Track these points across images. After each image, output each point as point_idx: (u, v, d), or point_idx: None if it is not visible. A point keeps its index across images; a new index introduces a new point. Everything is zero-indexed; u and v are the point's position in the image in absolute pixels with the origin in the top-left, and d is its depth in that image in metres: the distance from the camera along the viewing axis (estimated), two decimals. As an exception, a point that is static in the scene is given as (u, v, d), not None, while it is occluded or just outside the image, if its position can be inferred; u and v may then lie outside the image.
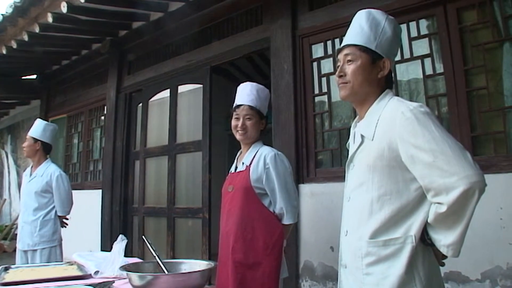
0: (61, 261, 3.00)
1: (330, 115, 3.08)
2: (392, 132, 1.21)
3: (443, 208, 1.11)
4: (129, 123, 4.63)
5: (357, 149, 1.35)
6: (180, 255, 3.82)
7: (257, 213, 1.97)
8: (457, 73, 2.58)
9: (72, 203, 3.41)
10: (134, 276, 1.27)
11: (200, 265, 1.49)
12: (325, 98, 3.15)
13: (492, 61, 2.52)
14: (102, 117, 5.08)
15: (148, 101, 4.48)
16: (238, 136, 2.09)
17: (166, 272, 1.44)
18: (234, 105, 2.13)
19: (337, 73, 1.42)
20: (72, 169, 5.47)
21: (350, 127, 2.91)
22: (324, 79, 3.16)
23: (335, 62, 3.09)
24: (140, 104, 4.56)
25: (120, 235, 1.87)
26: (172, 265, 1.54)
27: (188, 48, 4.14)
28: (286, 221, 2.00)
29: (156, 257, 1.53)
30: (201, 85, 3.94)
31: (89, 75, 5.40)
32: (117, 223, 4.44)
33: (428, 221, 1.18)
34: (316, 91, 3.18)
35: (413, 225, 1.19)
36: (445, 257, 1.25)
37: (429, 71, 2.72)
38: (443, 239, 1.15)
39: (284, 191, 1.99)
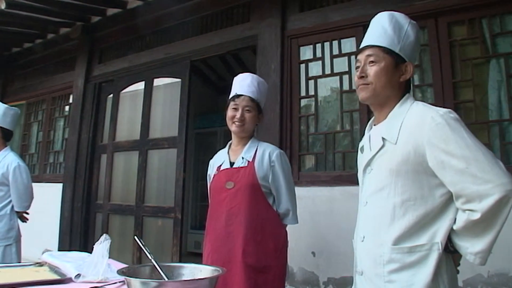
0: (18, 261, 2.73)
1: (316, 119, 3.04)
2: (420, 136, 1.18)
3: (477, 215, 1.08)
4: (97, 115, 4.36)
5: (376, 153, 1.30)
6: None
7: (266, 213, 1.87)
8: (445, 85, 2.63)
9: (32, 197, 3.12)
10: (136, 283, 1.13)
11: (203, 270, 1.36)
12: (311, 101, 3.11)
13: (479, 76, 2.59)
14: (67, 107, 4.75)
15: (120, 92, 4.24)
16: (233, 128, 1.95)
17: (165, 277, 1.30)
18: (233, 94, 1.99)
19: (358, 73, 1.36)
20: (29, 160, 5.06)
21: (335, 132, 2.93)
22: (311, 82, 3.12)
23: (324, 65, 3.09)
24: (111, 95, 4.31)
25: (104, 234, 1.68)
26: (170, 269, 1.39)
27: (167, 40, 3.96)
28: (290, 222, 1.92)
29: (153, 260, 1.38)
30: (179, 80, 3.78)
31: (54, 61, 5.03)
32: (78, 219, 4.15)
33: (455, 228, 1.15)
34: (303, 93, 3.13)
35: (438, 231, 1.16)
36: (459, 264, 1.24)
37: (417, 81, 2.75)
38: (470, 247, 1.13)
39: (290, 191, 1.92)
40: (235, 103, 1.95)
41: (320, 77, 3.09)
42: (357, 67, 1.40)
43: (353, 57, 2.97)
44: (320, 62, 3.11)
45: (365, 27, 2.93)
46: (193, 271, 1.38)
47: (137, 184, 3.84)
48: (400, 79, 1.34)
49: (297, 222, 1.95)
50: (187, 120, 3.66)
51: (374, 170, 1.31)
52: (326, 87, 3.09)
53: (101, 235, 3.90)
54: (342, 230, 2.71)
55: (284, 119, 3.09)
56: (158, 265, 1.35)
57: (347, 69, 2.99)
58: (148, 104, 3.95)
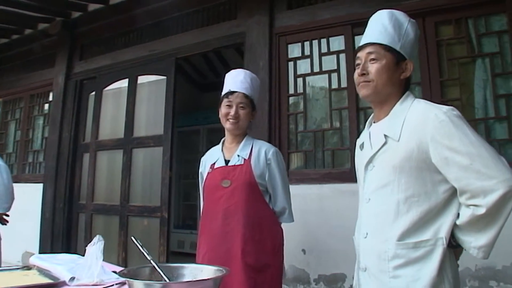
0: (-1, 264, 2.63)
1: (305, 116, 3.05)
2: (423, 133, 1.19)
3: (482, 210, 1.10)
4: (78, 113, 4.24)
5: (378, 150, 1.31)
6: (133, 256, 3.55)
7: (263, 212, 1.85)
8: (433, 84, 2.67)
9: (12, 198, 3.02)
10: (140, 285, 1.09)
11: (204, 270, 1.33)
12: (299, 98, 3.11)
13: (466, 75, 2.65)
14: (47, 104, 4.61)
15: (103, 90, 4.13)
16: (228, 125, 1.91)
17: (166, 279, 1.27)
18: (226, 91, 1.95)
19: (358, 71, 1.36)
20: (7, 159, 4.87)
21: (324, 129, 2.94)
22: (300, 80, 3.12)
23: (312, 63, 3.09)
24: (93, 93, 4.20)
25: (97, 235, 1.63)
26: (169, 270, 1.36)
27: (152, 37, 3.89)
28: (286, 220, 1.91)
29: (152, 261, 1.35)
30: (165, 77, 3.72)
31: (32, 57, 4.86)
32: (60, 220, 4.03)
33: (458, 223, 1.17)
34: (291, 91, 3.12)
35: (442, 227, 1.18)
36: (458, 258, 1.27)
37: (405, 79, 2.79)
38: (474, 241, 1.15)
39: (286, 189, 1.91)
40: (229, 100, 1.91)
41: (308, 75, 3.10)
42: (357, 65, 1.40)
43: (341, 55, 2.99)
44: (308, 60, 3.11)
45: (354, 25, 3.00)
46: (193, 271, 1.35)
47: (121, 183, 3.76)
48: (400, 76, 1.35)
49: (293, 220, 1.95)
50: (173, 118, 3.60)
51: (376, 167, 1.32)
52: (315, 85, 3.10)
53: (84, 236, 3.81)
54: (332, 227, 2.73)
55: (272, 116, 3.08)
56: (158, 266, 1.32)
57: (335, 67, 3.00)
58: (132, 102, 3.87)
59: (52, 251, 3.84)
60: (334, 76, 3.00)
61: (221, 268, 1.27)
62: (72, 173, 4.12)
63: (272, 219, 1.87)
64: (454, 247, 1.20)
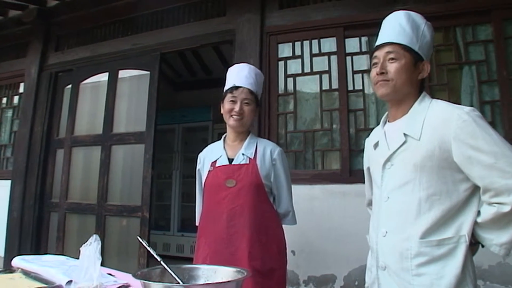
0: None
1: (295, 117, 3.03)
2: (446, 133, 1.21)
3: (506, 208, 1.13)
4: (52, 106, 4.02)
5: (398, 148, 1.32)
6: (111, 257, 3.39)
7: (269, 214, 1.79)
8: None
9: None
10: (159, 287, 1.02)
11: (218, 271, 1.27)
12: (289, 98, 3.09)
13: (453, 81, 2.73)
14: (16, 96, 4.34)
15: (80, 83, 3.94)
16: (231, 122, 1.83)
17: (179, 281, 1.20)
18: (230, 85, 1.88)
19: (377, 69, 1.36)
20: (-30, 153, 4.55)
21: (315, 130, 2.93)
22: (290, 80, 3.10)
23: (303, 63, 3.08)
24: (69, 86, 3.99)
25: (94, 235, 1.53)
26: (181, 272, 1.29)
27: (135, 30, 3.76)
28: (290, 222, 1.87)
29: (162, 263, 1.28)
30: (148, 72, 3.60)
31: (2, 46, 4.55)
32: (30, 220, 3.79)
33: (480, 220, 1.19)
34: (281, 91, 3.10)
35: (464, 224, 1.20)
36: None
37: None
38: (496, 239, 1.17)
39: (290, 191, 1.86)
40: (233, 95, 1.84)
41: (299, 75, 3.09)
42: (374, 64, 1.41)
43: (333, 56, 3.00)
44: (299, 60, 3.10)
45: (346, 28, 3.01)
46: (206, 272, 1.29)
47: (99, 181, 3.59)
48: (418, 77, 1.37)
49: (296, 223, 1.91)
50: (156, 114, 3.49)
51: (395, 165, 1.32)
52: (305, 85, 3.09)
53: (57, 236, 3.62)
54: (323, 228, 2.73)
55: (262, 116, 3.04)
56: (169, 267, 1.25)
57: (327, 69, 3.00)
58: (112, 97, 3.71)
59: (20, 252, 3.60)
60: (325, 77, 3.01)
61: (240, 269, 1.21)
62: (44, 169, 3.90)
63: (277, 221, 1.83)
64: (472, 244, 1.22)
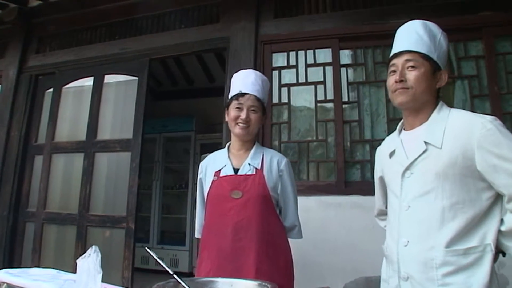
0: None
1: (289, 127, 2.99)
2: (469, 141, 1.21)
3: None
4: (31, 110, 3.82)
5: (418, 157, 1.30)
6: (92, 272, 3.21)
7: (276, 227, 1.72)
8: (417, 101, 2.75)
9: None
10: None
11: (235, 284, 1.20)
12: (283, 108, 3.06)
13: (446, 95, 2.77)
14: (-9, 99, 4.10)
15: (62, 87, 3.77)
16: (237, 130, 1.76)
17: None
18: (236, 92, 1.80)
19: (396, 77, 1.36)
20: None
21: (309, 141, 2.90)
22: (284, 89, 3.07)
23: (298, 73, 3.06)
24: (50, 90, 3.81)
25: (93, 246, 1.42)
26: (195, 286, 1.21)
27: (123, 34, 3.65)
28: (296, 236, 1.82)
29: (176, 276, 1.20)
30: (135, 78, 3.49)
31: (-23, 46, 4.33)
32: (3, 230, 3.55)
33: (505, 229, 1.19)
34: (275, 101, 3.06)
35: (488, 233, 1.20)
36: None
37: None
38: None
39: (296, 204, 1.81)
40: (239, 102, 1.77)
41: (293, 85, 3.06)
42: (392, 71, 1.40)
43: (328, 67, 3.00)
44: (293, 70, 3.08)
45: (341, 39, 3.02)
46: (223, 286, 1.22)
47: (81, 190, 3.41)
48: (436, 86, 1.37)
49: (302, 237, 1.85)
50: (144, 122, 3.37)
51: (414, 174, 1.31)
52: (300, 95, 3.07)
53: (33, 248, 3.40)
54: (318, 240, 2.67)
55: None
56: (183, 281, 1.17)
57: (322, 79, 2.99)
58: (97, 102, 3.57)
59: (-10, 265, 3.37)
60: (320, 88, 2.99)
61: (266, 284, 1.14)
62: (20, 176, 3.68)
63: (285, 235, 1.77)
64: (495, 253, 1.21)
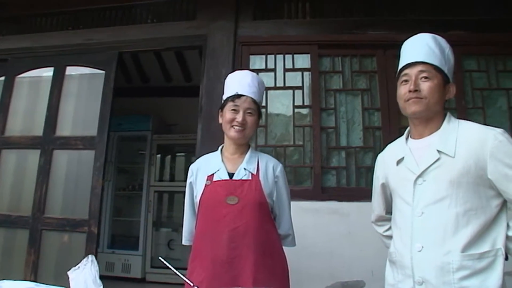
0: None
1: (266, 130, 2.96)
2: (481, 151, 1.28)
3: None
4: (-23, 100, 3.44)
5: (431, 165, 1.35)
6: (48, 278, 2.94)
7: (273, 234, 1.67)
8: (391, 111, 2.86)
9: None
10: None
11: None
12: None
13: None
14: None
15: (16, 76, 3.44)
16: (232, 133, 1.70)
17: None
18: (232, 93, 1.73)
19: (411, 87, 1.40)
20: None
21: (286, 145, 2.89)
22: (262, 93, 3.03)
23: (276, 77, 3.04)
24: (2, 78, 3.46)
25: (89, 256, 1.29)
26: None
27: (89, 23, 3.40)
28: (290, 244, 1.77)
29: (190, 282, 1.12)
30: (103, 71, 3.27)
31: None
32: None
33: None
34: (253, 104, 3.02)
35: (498, 238, 1.27)
36: None
37: (366, 104, 2.93)
38: None
39: (290, 211, 1.77)
40: (235, 104, 1.70)
41: (270, 88, 3.04)
42: (404, 81, 1.43)
43: (306, 73, 3.02)
44: (271, 73, 3.06)
45: (320, 46, 3.04)
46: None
47: (35, 190, 3.12)
48: (445, 97, 1.41)
49: (295, 245, 1.82)
50: (110, 119, 3.17)
51: (427, 181, 1.35)
52: (277, 99, 3.05)
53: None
54: (296, 246, 2.67)
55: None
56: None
57: (300, 84, 3.00)
58: (57, 95, 3.29)
59: None
60: (298, 93, 3.00)
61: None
62: (-38, 174, 3.29)
63: (280, 242, 1.72)
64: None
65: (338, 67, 3.02)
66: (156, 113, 5.71)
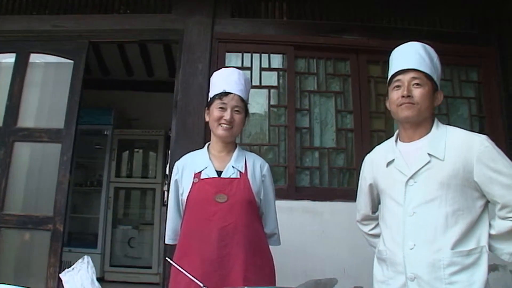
0: None
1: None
2: (469, 155, 1.38)
3: None
4: None
5: (422, 167, 1.43)
6: (6, 279, 2.78)
7: (261, 233, 1.69)
8: (363, 114, 2.97)
9: None
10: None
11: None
12: (236, 110, 3.02)
13: (389, 111, 3.02)
14: None
15: (-28, 61, 3.20)
16: (220, 131, 1.69)
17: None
18: (219, 91, 1.71)
19: (404, 92, 1.46)
20: None
21: (261, 144, 2.92)
22: (238, 91, 3.03)
23: (252, 75, 3.05)
24: (-44, 63, 3.20)
25: (84, 257, 1.25)
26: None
27: (57, 9, 3.23)
28: (275, 243, 1.80)
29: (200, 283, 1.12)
30: (71, 61, 3.12)
31: None
32: None
33: (495, 232, 1.38)
34: (229, 101, 3.01)
35: (482, 236, 1.38)
36: None
37: (340, 106, 3.02)
38: (507, 248, 1.38)
39: (275, 210, 1.80)
40: (222, 102, 1.69)
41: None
42: (397, 86, 1.50)
43: (281, 73, 3.05)
44: (248, 72, 3.05)
45: (296, 47, 3.09)
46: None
47: (-6, 184, 2.93)
48: (434, 104, 1.50)
49: (280, 244, 1.85)
50: (79, 111, 3.04)
51: (418, 183, 1.44)
52: (252, 99, 3.03)
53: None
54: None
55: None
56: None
57: (276, 84, 3.04)
58: (20, 84, 3.09)
59: None
60: (274, 92, 3.03)
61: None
62: None
63: (267, 241, 1.74)
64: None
65: (313, 69, 3.09)
66: (118, 107, 5.50)
